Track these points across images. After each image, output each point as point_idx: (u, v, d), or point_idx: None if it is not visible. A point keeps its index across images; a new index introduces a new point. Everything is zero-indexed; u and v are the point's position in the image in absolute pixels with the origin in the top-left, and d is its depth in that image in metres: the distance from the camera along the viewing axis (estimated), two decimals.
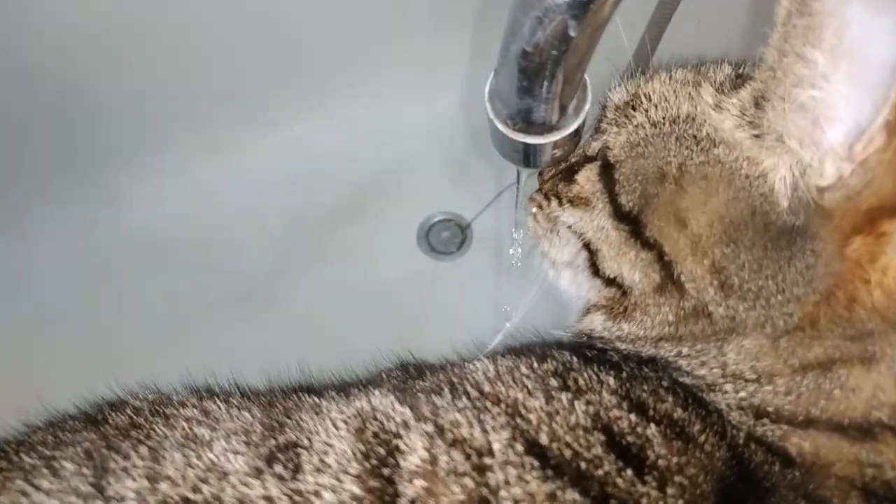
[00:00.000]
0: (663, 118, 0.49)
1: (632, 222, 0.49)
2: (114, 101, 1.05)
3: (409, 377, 0.53)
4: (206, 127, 1.13)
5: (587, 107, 0.52)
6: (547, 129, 0.51)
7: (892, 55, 0.36)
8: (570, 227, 0.54)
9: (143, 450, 0.45)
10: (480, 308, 1.05)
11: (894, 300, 0.42)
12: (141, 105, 1.07)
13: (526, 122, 0.50)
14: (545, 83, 0.46)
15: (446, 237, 1.23)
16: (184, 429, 0.46)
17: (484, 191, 1.17)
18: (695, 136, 0.47)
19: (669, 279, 0.47)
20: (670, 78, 0.52)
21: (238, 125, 1.15)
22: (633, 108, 0.51)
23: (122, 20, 0.97)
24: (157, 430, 0.46)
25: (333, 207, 1.21)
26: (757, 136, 0.44)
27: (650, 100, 0.51)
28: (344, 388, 0.51)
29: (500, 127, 0.51)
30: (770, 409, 0.45)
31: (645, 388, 0.47)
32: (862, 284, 0.42)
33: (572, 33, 0.42)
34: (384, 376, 0.56)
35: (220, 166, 1.17)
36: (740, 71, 0.50)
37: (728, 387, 0.47)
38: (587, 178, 0.52)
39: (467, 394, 0.46)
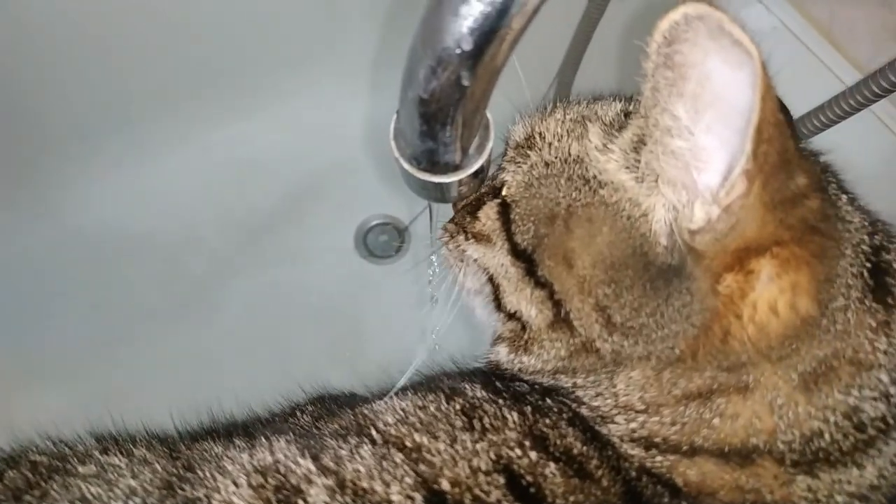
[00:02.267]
0: (555, 158, 0.51)
1: (527, 260, 0.50)
2: (41, 103, 1.02)
3: (321, 415, 0.54)
4: (136, 128, 1.10)
5: (490, 145, 0.52)
6: (451, 168, 0.51)
7: (748, 107, 0.38)
8: (475, 260, 0.56)
9: None
10: (419, 311, 1.07)
11: (765, 333, 0.44)
12: (68, 106, 1.04)
13: (430, 162, 0.51)
14: (445, 128, 0.47)
15: (384, 241, 1.23)
16: (80, 489, 0.46)
17: None
18: (583, 177, 0.48)
19: (560, 316, 0.49)
20: (564, 116, 0.53)
21: (169, 125, 1.12)
22: (530, 148, 0.53)
23: (49, 21, 0.94)
24: (53, 492, 0.46)
25: (268, 210, 1.19)
26: (638, 179, 0.46)
27: (544, 139, 0.52)
28: (252, 431, 0.52)
29: (406, 166, 0.52)
30: (658, 439, 0.47)
31: (547, 421, 0.49)
32: (735, 319, 0.44)
33: (466, 83, 0.42)
34: (297, 414, 0.57)
35: (150, 168, 1.14)
36: (629, 109, 0.52)
37: (620, 418, 0.49)
38: (487, 216, 0.54)
39: (372, 440, 0.47)
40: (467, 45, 0.39)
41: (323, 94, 1.19)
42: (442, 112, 0.45)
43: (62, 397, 0.96)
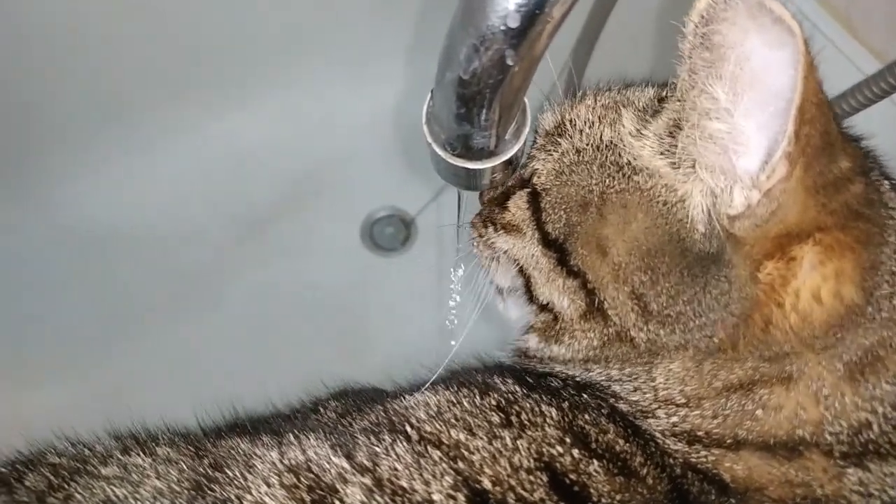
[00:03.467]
0: (587, 145, 0.50)
1: (558, 250, 0.49)
2: (34, 96, 0.99)
3: (347, 411, 0.53)
4: (133, 120, 1.07)
5: (527, 130, 0.51)
6: (486, 154, 0.50)
7: (789, 88, 0.37)
8: (505, 252, 0.55)
9: None
10: (426, 305, 1.05)
11: (808, 322, 0.43)
12: (64, 98, 1.01)
13: (464, 147, 0.49)
14: (483, 111, 0.45)
15: (390, 233, 1.21)
16: (104, 491, 0.45)
17: (428, 184, 1.12)
18: (617, 164, 0.47)
19: (593, 306, 0.48)
20: (595, 102, 0.52)
21: (168, 117, 1.09)
22: (560, 135, 0.52)
23: (42, 13, 0.92)
24: (77, 495, 0.46)
25: (272, 202, 1.17)
26: (674, 164, 0.45)
27: (575, 126, 0.51)
28: (279, 428, 0.51)
29: (439, 151, 0.50)
30: (700, 433, 0.46)
31: (587, 417, 0.47)
32: (776, 308, 0.43)
33: (510, 62, 0.41)
34: (321, 410, 0.56)
35: (149, 161, 1.11)
36: (663, 94, 0.51)
37: (660, 412, 0.47)
38: (517, 206, 0.53)
39: (407, 437, 0.46)
40: (514, 23, 0.37)
41: (325, 84, 1.16)
42: (482, 94, 0.43)
43: (66, 394, 0.95)
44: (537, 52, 0.42)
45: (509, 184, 0.59)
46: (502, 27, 0.38)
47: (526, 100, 0.50)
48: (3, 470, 0.51)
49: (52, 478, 0.49)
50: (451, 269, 0.63)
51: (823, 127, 0.39)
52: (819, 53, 0.39)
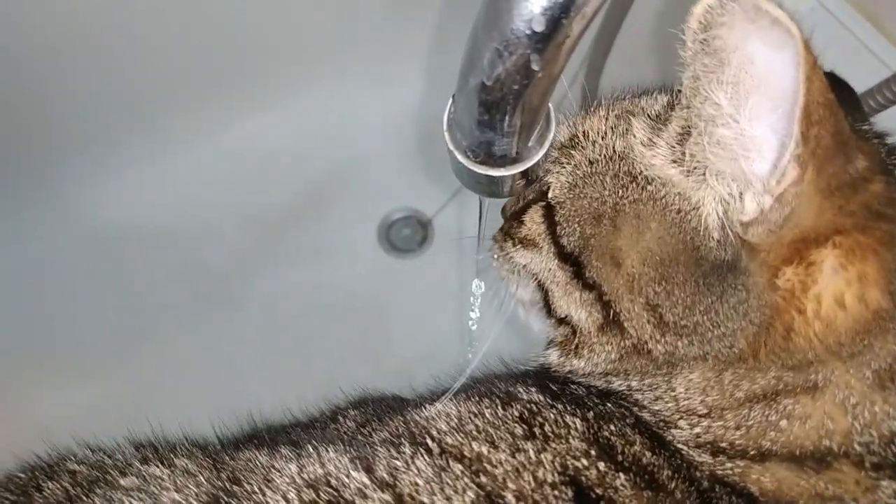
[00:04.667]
0: (600, 156, 0.49)
1: (574, 263, 0.49)
2: (57, 100, 1.01)
3: (367, 420, 0.54)
4: (154, 124, 1.08)
5: (551, 136, 0.50)
6: (509, 161, 0.49)
7: (792, 89, 0.36)
8: (524, 266, 0.55)
9: None
10: (444, 307, 1.06)
11: (833, 328, 0.41)
12: (86, 103, 1.02)
13: (487, 154, 0.49)
14: (506, 117, 0.44)
15: (407, 234, 1.21)
16: (122, 503, 0.46)
17: (444, 186, 1.12)
18: (629, 174, 0.47)
19: (610, 319, 0.47)
20: (608, 113, 0.52)
21: (187, 120, 1.10)
22: (573, 147, 0.51)
23: (66, 18, 0.94)
24: None
25: (290, 206, 1.17)
26: (685, 172, 0.44)
27: (588, 137, 0.51)
28: (297, 439, 0.51)
29: (461, 158, 0.49)
30: (724, 444, 0.45)
31: (612, 427, 0.47)
32: (797, 314, 0.41)
33: (535, 67, 0.40)
34: (340, 419, 0.56)
35: (169, 164, 1.12)
36: (675, 101, 0.50)
37: (683, 423, 0.46)
38: (532, 220, 0.53)
39: (428, 449, 0.46)
40: (539, 27, 0.37)
41: (342, 86, 1.16)
42: (505, 99, 0.43)
43: (86, 395, 0.97)
44: (563, 57, 0.41)
45: (528, 198, 0.59)
46: (527, 31, 0.38)
47: (551, 105, 0.49)
48: (21, 476, 0.52)
49: (70, 488, 0.49)
50: (472, 285, 0.63)
51: (834, 127, 0.38)
52: (824, 50, 0.38)
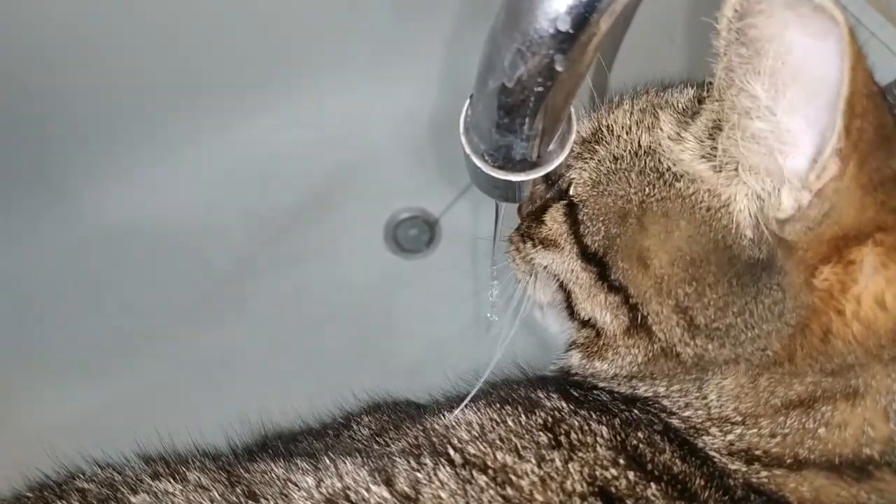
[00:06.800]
0: (625, 151, 0.47)
1: (598, 264, 0.47)
2: (60, 100, 1.00)
3: (382, 428, 0.52)
4: (157, 124, 1.08)
5: (572, 139, 0.48)
6: (528, 165, 0.47)
7: (836, 80, 0.34)
8: (545, 268, 0.53)
9: None
10: (452, 307, 1.04)
11: (873, 330, 0.39)
12: (89, 103, 1.01)
13: (506, 158, 0.46)
14: (527, 120, 0.43)
15: (414, 235, 1.19)
16: None
17: (451, 185, 1.11)
18: (656, 170, 0.45)
19: (637, 322, 0.45)
20: (632, 106, 0.50)
21: (191, 121, 1.09)
22: (597, 143, 0.50)
23: (69, 19, 0.93)
24: None
25: (295, 206, 1.17)
26: (716, 167, 0.42)
27: (612, 132, 0.49)
28: (313, 450, 0.49)
29: (478, 163, 0.48)
30: (758, 452, 0.43)
31: (640, 435, 0.45)
32: (836, 316, 0.40)
33: (559, 68, 0.38)
34: (354, 426, 0.54)
35: (174, 165, 1.11)
36: (703, 94, 0.48)
37: (715, 430, 0.45)
38: (553, 219, 0.51)
39: (451, 460, 0.44)
40: (564, 26, 0.35)
41: (347, 86, 1.15)
42: (526, 102, 0.41)
43: (89, 397, 0.96)
44: (589, 57, 0.39)
45: (547, 196, 0.57)
46: (551, 30, 0.36)
47: (572, 107, 0.47)
48: (29, 496, 0.51)
49: None
50: (489, 292, 0.61)
51: (878, 120, 0.36)
52: (864, 45, 0.36)
